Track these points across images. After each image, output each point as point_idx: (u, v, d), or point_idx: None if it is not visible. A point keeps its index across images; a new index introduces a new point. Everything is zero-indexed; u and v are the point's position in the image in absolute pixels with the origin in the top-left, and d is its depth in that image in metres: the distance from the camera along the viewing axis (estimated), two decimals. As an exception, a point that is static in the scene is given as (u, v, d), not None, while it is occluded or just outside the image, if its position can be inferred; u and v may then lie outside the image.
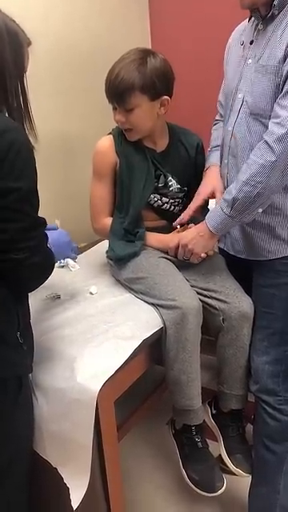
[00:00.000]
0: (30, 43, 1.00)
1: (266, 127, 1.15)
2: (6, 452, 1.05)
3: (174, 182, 1.47)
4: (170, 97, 1.37)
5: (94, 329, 1.26)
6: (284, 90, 1.11)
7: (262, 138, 1.15)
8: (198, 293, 1.33)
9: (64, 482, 1.14)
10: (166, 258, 1.42)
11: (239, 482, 1.45)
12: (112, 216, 1.47)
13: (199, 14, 2.16)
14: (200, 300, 1.29)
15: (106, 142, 1.45)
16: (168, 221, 1.53)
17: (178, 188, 1.49)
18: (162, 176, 1.46)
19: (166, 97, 1.36)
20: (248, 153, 1.21)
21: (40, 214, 0.97)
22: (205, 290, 1.36)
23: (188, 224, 1.43)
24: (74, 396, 1.08)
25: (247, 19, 1.29)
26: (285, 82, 1.11)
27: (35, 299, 1.39)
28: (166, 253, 1.43)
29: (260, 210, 1.20)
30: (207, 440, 1.38)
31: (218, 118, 1.53)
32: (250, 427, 1.45)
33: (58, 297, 1.44)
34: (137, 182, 1.42)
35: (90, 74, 1.92)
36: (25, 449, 1.11)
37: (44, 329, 1.26)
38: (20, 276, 0.96)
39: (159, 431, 1.57)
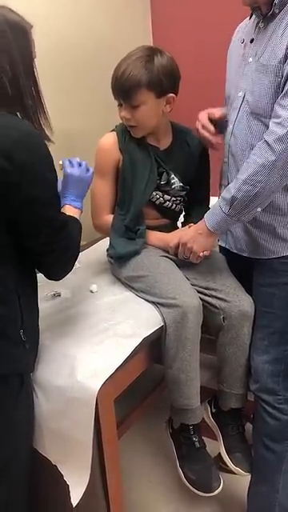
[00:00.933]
0: (31, 26, 0.99)
1: (267, 126, 1.15)
2: (5, 450, 1.06)
3: (176, 179, 1.47)
4: (176, 94, 1.37)
5: (94, 327, 1.26)
6: (285, 90, 1.10)
7: (262, 138, 1.15)
8: (199, 291, 1.33)
9: (64, 479, 1.14)
10: (166, 256, 1.42)
11: (238, 480, 1.46)
12: (113, 213, 1.47)
13: (201, 14, 2.15)
14: (200, 299, 1.30)
15: (110, 139, 1.45)
16: (169, 219, 1.53)
17: (180, 186, 1.48)
18: (164, 173, 1.45)
19: (171, 94, 1.35)
20: (248, 152, 1.21)
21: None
22: (205, 288, 1.36)
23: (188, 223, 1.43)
24: (73, 394, 1.08)
25: (248, 17, 1.29)
26: (285, 82, 1.11)
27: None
28: (167, 252, 1.43)
29: (259, 210, 1.20)
30: (207, 438, 1.38)
31: None
32: (249, 426, 1.46)
33: (59, 295, 1.44)
34: (139, 179, 1.42)
35: (92, 72, 1.93)
36: (24, 447, 1.12)
37: (44, 327, 1.26)
38: (53, 271, 1.08)
39: (159, 429, 1.57)
